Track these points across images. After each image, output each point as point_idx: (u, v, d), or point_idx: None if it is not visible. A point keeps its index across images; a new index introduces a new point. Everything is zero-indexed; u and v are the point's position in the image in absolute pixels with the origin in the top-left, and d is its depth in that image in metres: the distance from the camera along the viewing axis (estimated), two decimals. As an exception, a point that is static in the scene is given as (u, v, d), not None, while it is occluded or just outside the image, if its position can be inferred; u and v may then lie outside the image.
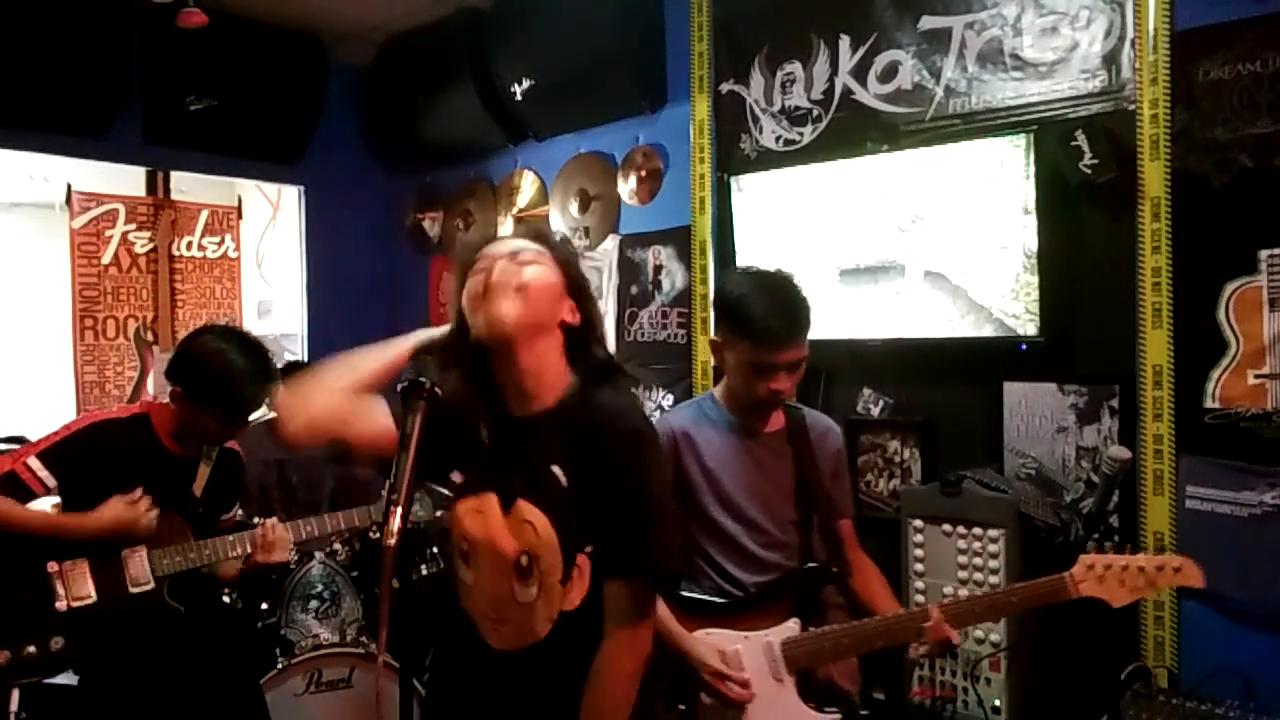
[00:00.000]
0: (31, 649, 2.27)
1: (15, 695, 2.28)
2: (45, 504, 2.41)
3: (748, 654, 2.02)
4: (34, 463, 2.31)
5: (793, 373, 2.04)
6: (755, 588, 2.09)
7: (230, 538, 2.49)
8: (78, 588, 2.34)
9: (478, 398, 1.56)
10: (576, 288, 1.56)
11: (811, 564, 2.12)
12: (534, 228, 1.62)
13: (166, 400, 2.47)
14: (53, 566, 2.32)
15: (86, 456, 2.35)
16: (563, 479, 1.48)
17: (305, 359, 4.58)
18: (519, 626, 1.51)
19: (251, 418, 2.56)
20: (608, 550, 1.49)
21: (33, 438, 2.47)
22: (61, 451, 2.34)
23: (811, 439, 2.17)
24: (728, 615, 2.07)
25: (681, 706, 2.04)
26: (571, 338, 1.55)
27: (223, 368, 2.35)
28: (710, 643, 2.02)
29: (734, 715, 1.98)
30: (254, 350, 2.44)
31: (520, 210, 4.29)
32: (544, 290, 1.50)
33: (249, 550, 2.51)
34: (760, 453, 2.14)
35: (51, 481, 2.32)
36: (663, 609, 2.03)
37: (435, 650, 1.66)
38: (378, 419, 1.52)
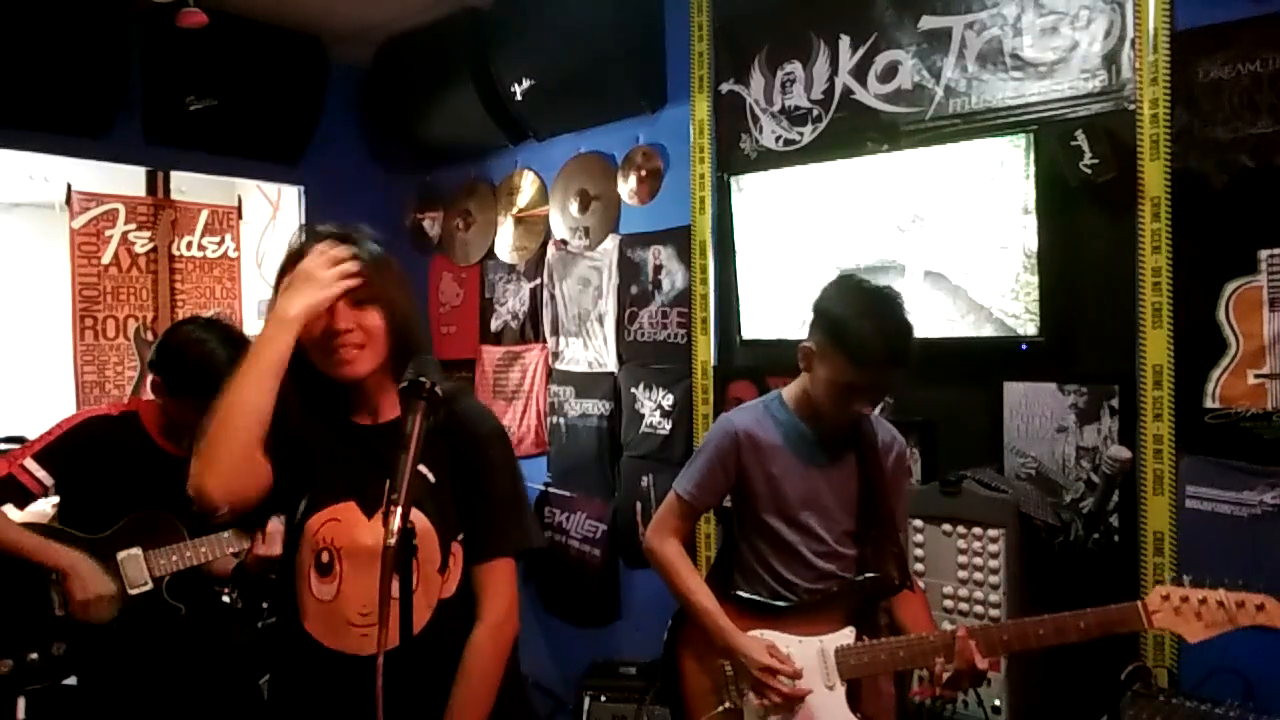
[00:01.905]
0: (34, 656, 2.27)
1: (22, 703, 2.28)
2: (45, 505, 2.41)
3: (799, 657, 2.01)
4: (30, 464, 2.31)
5: (879, 401, 2.03)
6: (809, 595, 2.08)
7: (226, 534, 2.49)
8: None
9: (311, 409, 1.60)
10: (391, 310, 1.60)
11: (872, 575, 2.10)
12: (360, 240, 1.63)
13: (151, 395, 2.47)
14: (50, 573, 2.32)
15: (82, 453, 2.35)
16: (430, 476, 1.57)
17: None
18: (397, 621, 1.52)
19: None
20: (482, 537, 1.63)
21: (33, 438, 2.46)
22: (57, 450, 2.34)
23: (879, 448, 2.13)
24: (781, 618, 2.07)
25: (726, 704, 2.04)
26: (399, 355, 1.60)
27: (202, 357, 2.34)
28: (762, 641, 2.02)
29: (782, 716, 1.98)
30: (235, 341, 2.43)
31: (520, 210, 4.29)
32: (380, 332, 1.58)
33: (245, 546, 2.50)
34: (824, 460, 2.10)
35: (49, 481, 2.32)
36: (714, 605, 2.05)
37: (273, 685, 1.66)
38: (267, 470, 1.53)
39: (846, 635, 2.04)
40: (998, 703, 2.49)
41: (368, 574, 1.50)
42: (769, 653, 1.98)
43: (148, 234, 4.66)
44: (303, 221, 4.81)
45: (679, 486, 2.16)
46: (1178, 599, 1.81)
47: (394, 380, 1.57)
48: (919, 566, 2.69)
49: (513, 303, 4.37)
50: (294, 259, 1.57)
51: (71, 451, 2.34)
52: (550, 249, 4.17)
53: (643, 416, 3.78)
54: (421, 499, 1.52)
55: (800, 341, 2.10)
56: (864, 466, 2.12)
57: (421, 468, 1.52)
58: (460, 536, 1.61)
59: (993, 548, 2.58)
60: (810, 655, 2.02)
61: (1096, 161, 2.52)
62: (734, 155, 3.48)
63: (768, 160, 3.36)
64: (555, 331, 4.19)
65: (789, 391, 2.17)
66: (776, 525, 2.09)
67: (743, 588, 2.14)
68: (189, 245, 4.83)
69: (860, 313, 1.97)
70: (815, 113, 3.25)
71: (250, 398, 1.47)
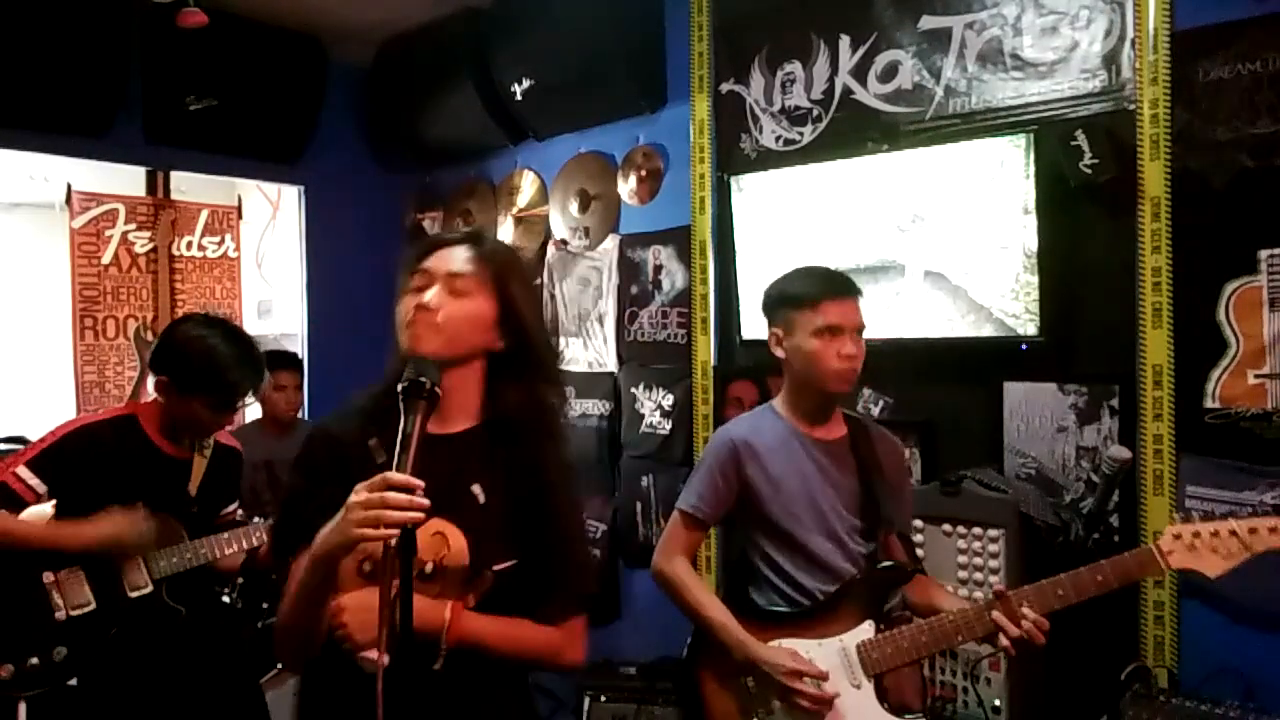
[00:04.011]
0: (34, 661, 2.27)
1: (23, 708, 2.27)
2: (44, 509, 2.40)
3: (821, 660, 1.99)
4: (23, 471, 2.29)
5: (858, 339, 2.06)
6: (824, 595, 2.06)
7: (225, 535, 2.49)
8: (75, 596, 2.33)
9: (387, 415, 1.53)
10: (507, 316, 1.55)
11: (885, 564, 2.09)
12: (485, 241, 1.61)
13: (154, 396, 2.46)
14: (48, 577, 2.32)
15: (75, 461, 2.33)
16: (481, 498, 1.51)
17: (304, 354, 4.57)
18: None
19: (245, 406, 2.55)
20: (548, 596, 1.53)
21: (33, 438, 2.46)
22: (50, 458, 2.33)
23: (876, 448, 2.15)
24: (797, 623, 2.05)
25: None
26: (499, 363, 1.56)
27: (206, 353, 2.33)
28: (783, 649, 2.00)
29: None
30: (237, 336, 2.43)
31: (520, 210, 4.29)
32: (465, 325, 1.52)
33: (247, 545, 2.50)
34: (824, 460, 2.11)
35: (42, 488, 2.31)
36: (729, 618, 2.03)
37: (304, 688, 1.62)
38: None
39: (866, 630, 2.01)
40: (998, 703, 2.49)
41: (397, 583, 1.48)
42: (792, 658, 1.97)
43: (148, 234, 4.66)
44: (303, 222, 4.81)
45: (683, 503, 2.15)
46: (1189, 536, 1.78)
47: (479, 389, 1.54)
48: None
49: (513, 303, 4.36)
50: (412, 264, 1.56)
51: (64, 458, 2.33)
52: (550, 249, 4.17)
53: (643, 416, 3.78)
54: (466, 520, 1.48)
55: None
56: (862, 462, 2.13)
57: (475, 488, 1.50)
58: (498, 566, 1.51)
59: (993, 548, 2.58)
60: (832, 656, 2.00)
61: (1096, 161, 2.52)
62: (734, 155, 3.48)
63: (768, 160, 3.36)
64: (555, 331, 4.18)
65: (778, 400, 2.19)
66: (785, 524, 2.08)
67: (756, 598, 2.13)
68: (189, 245, 4.83)
69: (796, 272, 2.19)
70: (815, 113, 3.25)
71: (304, 626, 1.46)
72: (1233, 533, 1.75)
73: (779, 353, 2.13)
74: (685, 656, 2.16)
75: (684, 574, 2.11)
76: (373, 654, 1.41)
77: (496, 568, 1.50)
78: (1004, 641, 1.88)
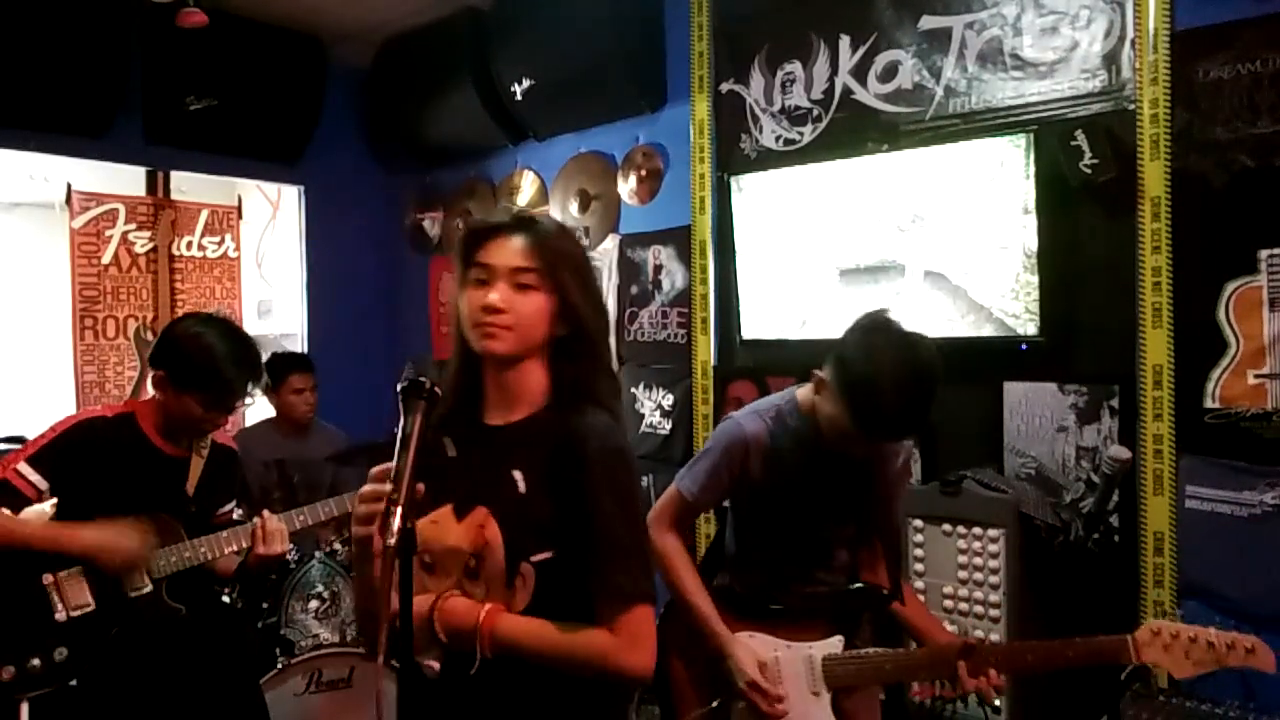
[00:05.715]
0: (35, 662, 2.27)
1: (25, 709, 2.27)
2: (44, 508, 2.40)
3: (786, 663, 2.02)
4: (24, 468, 2.29)
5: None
6: (803, 601, 2.08)
7: (224, 534, 2.49)
8: (75, 596, 2.33)
9: (454, 405, 1.56)
10: (568, 307, 1.52)
11: (859, 584, 2.10)
12: (539, 227, 1.56)
13: (153, 393, 2.46)
14: (48, 578, 2.32)
15: (76, 457, 2.33)
16: (521, 485, 1.48)
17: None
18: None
19: (243, 407, 2.55)
20: (593, 585, 1.44)
21: (32, 437, 2.46)
22: (50, 454, 2.32)
23: (884, 452, 2.13)
24: (771, 621, 2.07)
25: (715, 703, 2.05)
26: (558, 349, 1.54)
27: (204, 350, 2.34)
28: (752, 647, 2.02)
29: None
30: (237, 336, 2.44)
31: (520, 210, 4.29)
32: (532, 320, 1.50)
33: (245, 544, 2.50)
34: (836, 471, 2.08)
35: (43, 485, 2.30)
36: (711, 609, 2.05)
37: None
38: None
39: (835, 644, 2.05)
40: (998, 703, 2.49)
41: (451, 580, 1.49)
42: (759, 668, 1.99)
43: (148, 234, 4.66)
44: (303, 222, 4.81)
45: (682, 485, 2.15)
46: (1168, 635, 1.83)
47: (544, 376, 1.53)
48: (919, 566, 2.69)
49: (513, 303, 4.37)
50: (469, 252, 1.54)
51: (65, 454, 2.33)
52: (550, 249, 4.16)
53: (643, 416, 3.78)
54: (501, 507, 1.48)
55: (816, 369, 2.00)
56: (871, 472, 2.11)
57: (515, 474, 1.48)
58: (535, 557, 1.45)
59: (993, 548, 2.57)
60: (798, 661, 2.03)
61: (1096, 161, 2.52)
62: (734, 155, 3.48)
63: (768, 160, 3.36)
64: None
65: (804, 394, 2.12)
66: (779, 527, 2.08)
67: (736, 579, 2.15)
68: (189, 245, 4.82)
69: (880, 377, 1.83)
70: (815, 113, 3.25)
71: (361, 607, 1.55)
72: (1210, 644, 1.80)
73: (819, 397, 1.99)
74: (656, 630, 2.17)
75: (673, 553, 2.12)
76: (427, 659, 1.42)
77: (533, 559, 1.45)
78: (959, 689, 1.93)
